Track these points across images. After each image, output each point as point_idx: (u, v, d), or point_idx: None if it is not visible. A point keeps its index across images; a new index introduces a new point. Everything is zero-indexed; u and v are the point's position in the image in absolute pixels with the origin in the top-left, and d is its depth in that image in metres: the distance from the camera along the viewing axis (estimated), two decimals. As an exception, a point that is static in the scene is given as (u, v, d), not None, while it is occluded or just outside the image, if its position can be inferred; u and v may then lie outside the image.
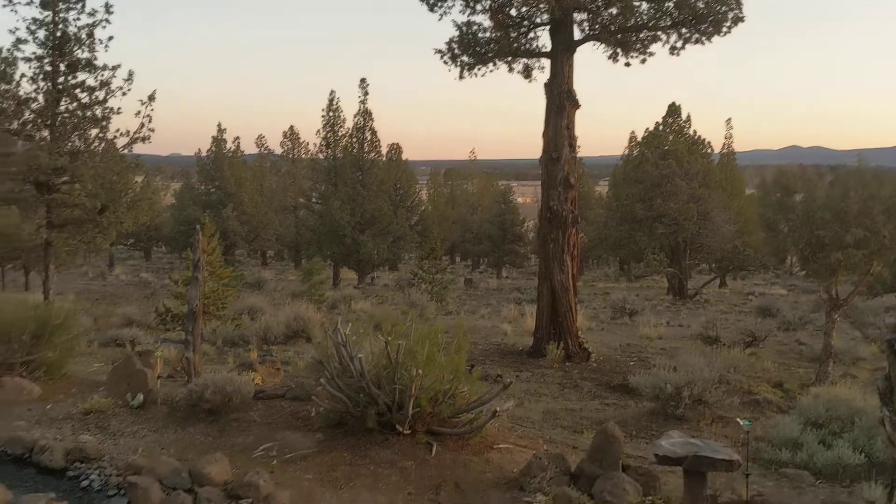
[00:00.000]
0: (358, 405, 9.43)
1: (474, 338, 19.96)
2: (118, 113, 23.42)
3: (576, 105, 18.14)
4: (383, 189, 45.85)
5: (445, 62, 19.17)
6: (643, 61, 18.77)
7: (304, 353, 16.76)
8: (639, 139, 46.81)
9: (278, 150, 65.54)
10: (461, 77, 19.10)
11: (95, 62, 22.67)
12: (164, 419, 10.56)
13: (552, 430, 11.55)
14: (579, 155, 19.16)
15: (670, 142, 42.00)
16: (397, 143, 57.70)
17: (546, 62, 18.56)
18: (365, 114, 44.91)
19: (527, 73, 19.34)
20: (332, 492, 8.13)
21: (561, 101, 17.86)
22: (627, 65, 18.86)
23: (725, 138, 48.77)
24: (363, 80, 44.31)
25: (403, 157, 58.59)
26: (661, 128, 43.08)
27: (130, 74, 23.04)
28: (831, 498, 8.02)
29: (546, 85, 18.28)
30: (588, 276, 55.34)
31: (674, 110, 42.91)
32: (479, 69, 19.16)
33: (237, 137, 61.14)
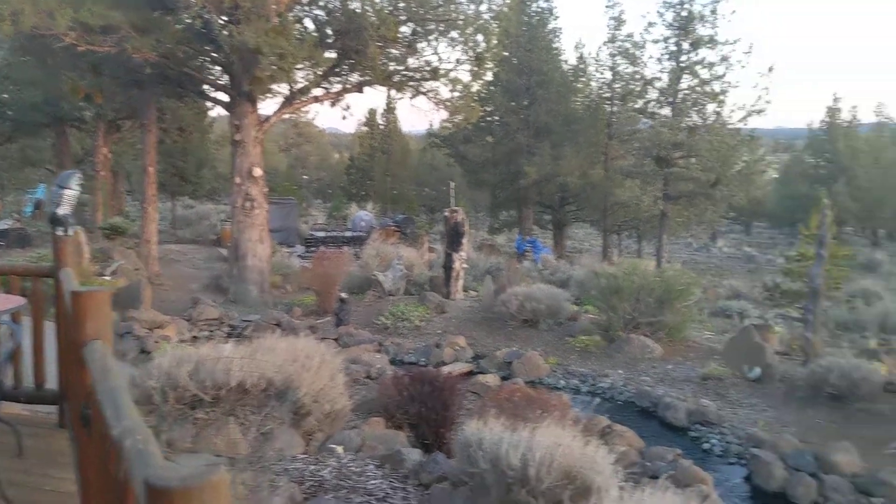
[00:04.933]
0: None
1: None
2: (735, 86, 23.75)
3: None
4: None
5: None
6: None
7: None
8: None
9: (903, 117, 58.39)
10: None
11: (716, 38, 23.27)
12: (781, 396, 10.39)
13: None
14: None
15: None
16: None
17: None
18: None
19: None
20: None
21: None
22: None
23: None
24: None
25: None
26: None
27: (750, 47, 23.11)
28: None
29: None
30: None
31: None
32: None
33: (854, 106, 56.42)
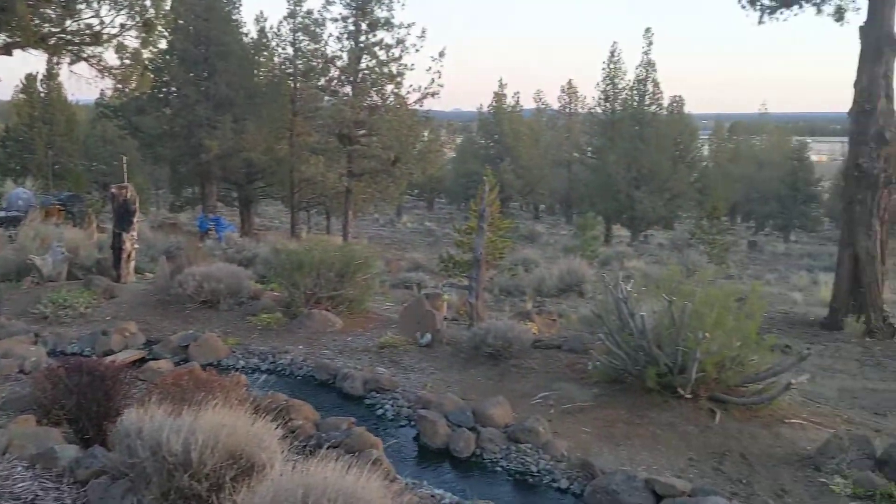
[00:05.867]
0: (637, 363, 9.27)
1: (764, 304, 18.69)
2: (411, 69, 24.92)
3: (897, 50, 15.99)
4: (663, 143, 44.14)
5: (743, 6, 17.80)
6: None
7: (577, 307, 16.83)
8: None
9: (555, 105, 65.86)
10: (760, 22, 17.64)
11: (393, 20, 24.18)
12: (448, 359, 11.19)
13: (850, 410, 10.50)
14: None
15: None
16: (679, 96, 55.19)
17: (863, 2, 16.52)
18: (648, 65, 43.41)
19: (839, 15, 17.33)
20: (610, 447, 8.10)
21: (879, 45, 15.81)
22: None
23: None
24: (648, 30, 42.85)
25: (685, 110, 55.93)
26: None
27: (423, 32, 24.29)
28: None
29: (861, 28, 16.27)
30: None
31: None
32: (781, 13, 17.55)
33: (517, 92, 62.20)
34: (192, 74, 30.61)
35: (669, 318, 9.03)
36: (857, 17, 16.83)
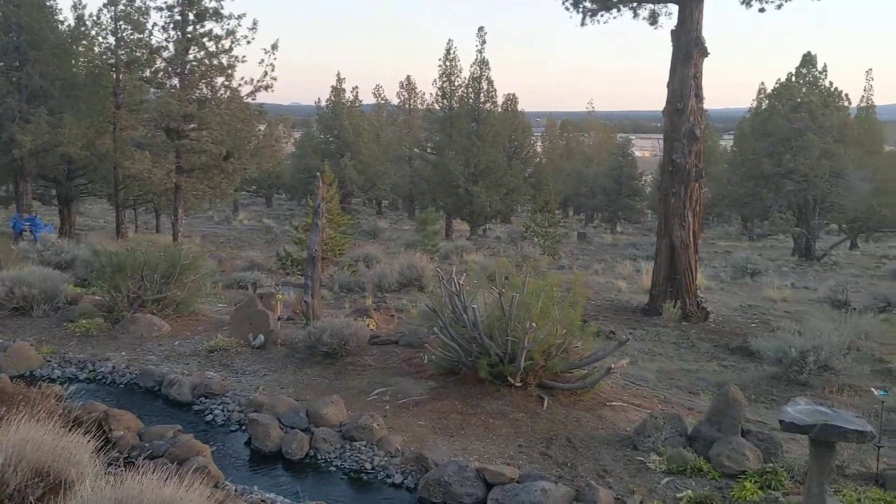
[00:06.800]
0: (470, 355, 9.45)
1: (587, 293, 19.63)
2: (243, 61, 24.14)
3: (704, 53, 17.23)
4: (498, 140, 45.38)
5: (567, 8, 18.59)
6: (779, 6, 17.61)
7: (417, 302, 16.94)
8: (768, 91, 44.30)
9: (395, 101, 66.14)
10: (583, 24, 18.50)
11: (222, 10, 23.30)
12: (283, 360, 10.94)
13: (667, 391, 11.24)
14: (704, 107, 18.24)
15: (803, 94, 39.48)
16: (513, 94, 56.96)
17: (674, 7, 17.67)
18: (482, 63, 44.39)
19: (653, 19, 18.50)
20: (444, 439, 8.20)
21: (689, 48, 17.00)
22: (762, 10, 17.76)
23: (865, 90, 45.58)
24: (481, 29, 43.74)
25: (519, 107, 57.83)
26: (793, 79, 40.55)
27: (255, 23, 23.58)
28: (974, 477, 7.44)
29: (673, 32, 17.43)
30: (709, 233, 53.39)
31: (808, 60, 40.22)
32: (602, 16, 18.49)
33: (356, 87, 61.94)
34: (1, 64, 28.18)
35: (500, 310, 9.27)
36: (670, 21, 18.01)
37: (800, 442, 7.82)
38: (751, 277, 26.33)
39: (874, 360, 13.93)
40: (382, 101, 69.40)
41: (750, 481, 7.23)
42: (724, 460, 7.53)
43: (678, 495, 7.04)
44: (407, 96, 63.74)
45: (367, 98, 66.68)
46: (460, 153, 42.40)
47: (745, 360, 13.90)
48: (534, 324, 8.74)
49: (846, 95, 40.68)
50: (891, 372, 13.44)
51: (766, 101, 43.50)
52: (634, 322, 16.93)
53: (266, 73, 24.16)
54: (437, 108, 47.16)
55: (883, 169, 39.26)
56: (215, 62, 23.58)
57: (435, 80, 46.09)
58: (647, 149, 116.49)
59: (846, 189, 36.65)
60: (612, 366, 9.30)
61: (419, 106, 61.33)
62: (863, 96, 45.37)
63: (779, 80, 41.60)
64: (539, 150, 67.65)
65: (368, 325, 12.36)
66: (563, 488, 6.86)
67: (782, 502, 6.91)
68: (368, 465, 7.76)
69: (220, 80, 24.13)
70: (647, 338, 15.50)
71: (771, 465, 7.50)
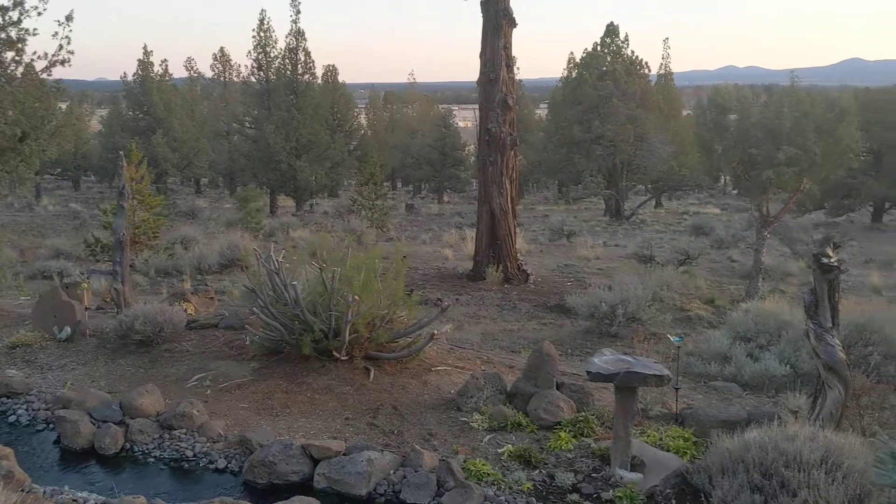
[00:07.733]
0: (293, 333, 9.32)
1: (415, 263, 19.92)
2: (34, 34, 22.03)
3: (512, 24, 17.77)
4: (319, 113, 44.60)
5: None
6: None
7: (239, 283, 16.45)
8: (577, 60, 46.43)
9: (209, 74, 63.33)
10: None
11: (5, -22, 21.18)
12: (93, 352, 10.30)
13: (490, 351, 11.65)
14: (519, 77, 18.86)
15: (608, 63, 41.76)
16: (333, 65, 56.15)
17: (483, -21, 18.05)
18: (297, 34, 43.30)
19: (463, -10, 18.80)
20: (268, 420, 8.06)
21: (497, 20, 17.46)
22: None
23: (663, 59, 48.66)
24: (295, -1, 42.63)
25: (340, 79, 57.10)
26: (599, 48, 42.75)
27: (45, -8, 21.58)
28: (757, 408, 8.30)
29: (482, 3, 17.82)
30: (527, 199, 55.66)
31: (612, 30, 42.52)
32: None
33: (164, 60, 58.58)
34: None
35: (322, 286, 9.19)
36: (479, -7, 18.33)
37: (609, 390, 8.35)
38: (567, 239, 27.72)
39: (676, 310, 15.13)
40: (196, 75, 66.19)
41: (565, 431, 7.66)
42: (542, 413, 7.92)
43: (499, 451, 7.34)
44: (222, 69, 61.26)
45: (179, 72, 63.46)
46: (280, 127, 41.37)
47: (562, 317, 14.67)
48: (356, 297, 8.74)
49: (646, 63, 43.38)
50: (689, 319, 14.66)
51: (576, 71, 45.55)
52: (460, 288, 17.37)
53: (62, 47, 22.07)
54: (254, 80, 45.64)
55: (681, 132, 42.33)
56: (2, 35, 21.41)
57: (249, 52, 44.49)
58: (469, 119, 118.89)
59: (649, 152, 39.26)
60: (436, 332, 9.49)
61: (235, 79, 59.09)
62: (661, 64, 48.51)
63: (586, 49, 43.69)
64: (363, 122, 67.33)
65: (186, 310, 11.88)
66: (388, 456, 6.95)
67: (593, 448, 7.39)
68: (189, 453, 7.49)
69: (9, 54, 21.92)
70: (472, 302, 15.95)
71: (583, 414, 7.98)
